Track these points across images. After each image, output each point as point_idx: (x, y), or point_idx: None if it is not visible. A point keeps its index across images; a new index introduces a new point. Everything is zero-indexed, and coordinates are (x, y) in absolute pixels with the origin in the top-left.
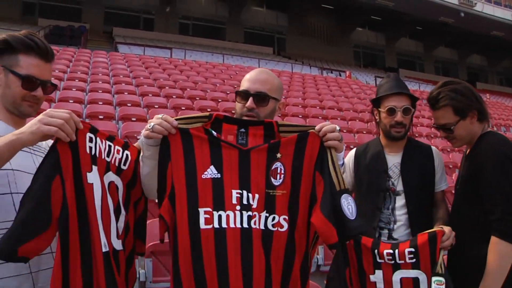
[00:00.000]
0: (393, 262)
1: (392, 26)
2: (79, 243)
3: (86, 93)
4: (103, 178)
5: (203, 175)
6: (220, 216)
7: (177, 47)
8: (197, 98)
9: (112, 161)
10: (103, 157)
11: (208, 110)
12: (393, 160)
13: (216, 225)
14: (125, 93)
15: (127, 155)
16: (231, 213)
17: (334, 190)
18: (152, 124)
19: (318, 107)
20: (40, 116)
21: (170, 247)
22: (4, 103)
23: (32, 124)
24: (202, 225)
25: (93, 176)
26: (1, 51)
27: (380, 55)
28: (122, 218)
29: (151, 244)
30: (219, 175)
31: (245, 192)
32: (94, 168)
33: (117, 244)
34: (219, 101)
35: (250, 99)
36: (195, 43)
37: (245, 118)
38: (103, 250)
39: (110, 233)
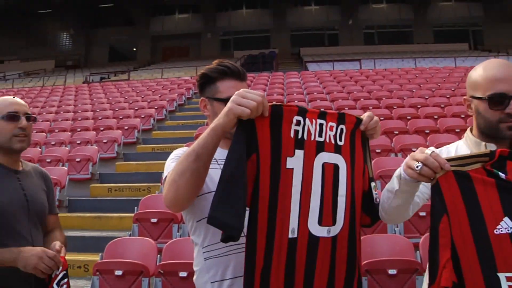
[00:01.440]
0: None
1: None
2: (266, 226)
3: None
4: (313, 161)
5: (495, 230)
6: None
7: (365, 57)
8: (394, 107)
9: (327, 140)
10: (312, 138)
11: (408, 117)
12: None
13: None
14: (322, 108)
15: (341, 129)
16: None
17: None
18: (420, 165)
19: None
20: (233, 97)
21: None
22: None
23: (225, 107)
24: None
25: (294, 161)
26: (202, 85)
27: None
28: (341, 199)
29: (365, 262)
30: None
31: None
32: (299, 152)
33: (318, 230)
34: (419, 107)
35: None
36: (383, 51)
37: (504, 126)
38: (289, 236)
39: (308, 219)
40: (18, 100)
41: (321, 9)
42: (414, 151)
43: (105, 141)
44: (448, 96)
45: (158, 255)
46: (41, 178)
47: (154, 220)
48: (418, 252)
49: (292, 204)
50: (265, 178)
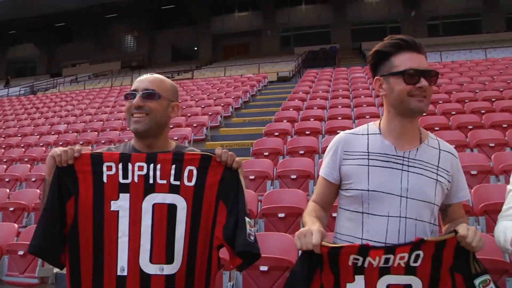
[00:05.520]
0: None
1: None
2: None
3: (352, 109)
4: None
5: None
6: None
7: (430, 50)
8: (466, 101)
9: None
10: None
11: (482, 111)
12: None
13: None
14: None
15: (417, 255)
16: None
17: None
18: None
19: None
20: (296, 233)
21: None
22: (395, 109)
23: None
24: None
25: None
26: (375, 64)
27: None
28: None
29: None
30: None
31: None
32: (359, 277)
33: None
34: (493, 100)
35: None
36: (448, 43)
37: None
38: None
39: None
40: (146, 76)
41: (382, 2)
42: (491, 147)
43: (175, 138)
44: None
45: (259, 203)
46: None
47: None
48: None
49: None
50: None
